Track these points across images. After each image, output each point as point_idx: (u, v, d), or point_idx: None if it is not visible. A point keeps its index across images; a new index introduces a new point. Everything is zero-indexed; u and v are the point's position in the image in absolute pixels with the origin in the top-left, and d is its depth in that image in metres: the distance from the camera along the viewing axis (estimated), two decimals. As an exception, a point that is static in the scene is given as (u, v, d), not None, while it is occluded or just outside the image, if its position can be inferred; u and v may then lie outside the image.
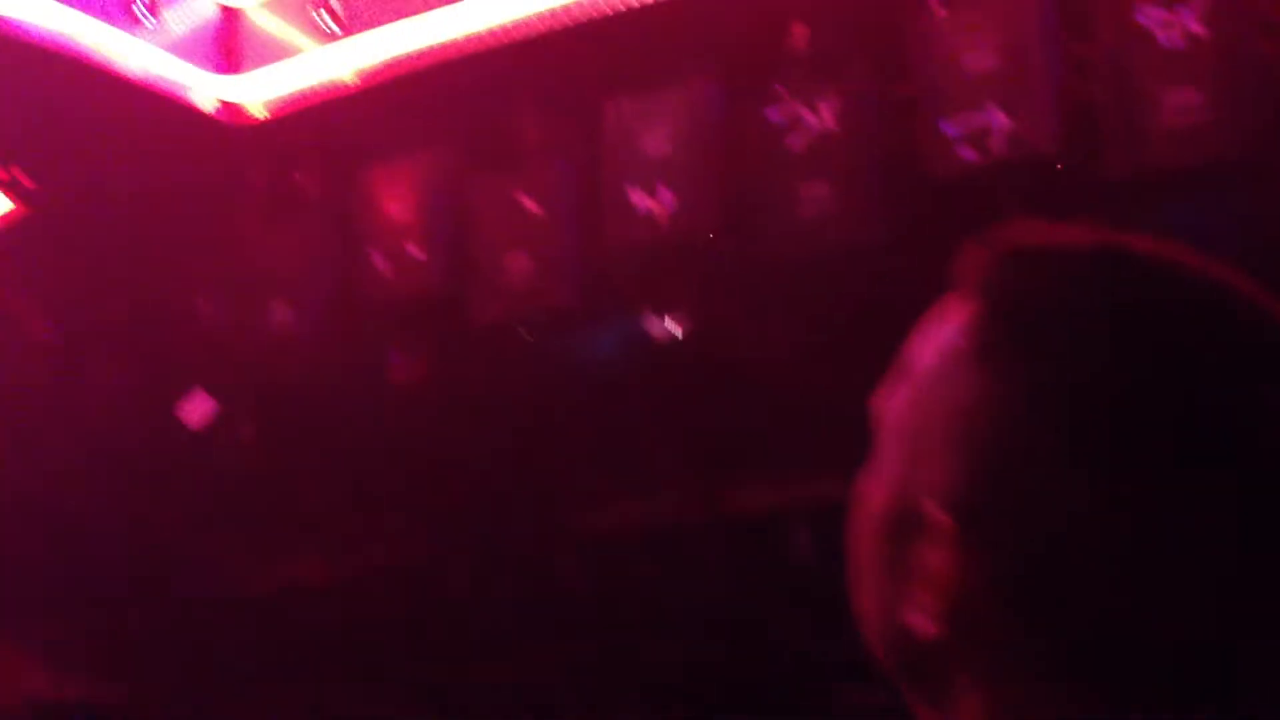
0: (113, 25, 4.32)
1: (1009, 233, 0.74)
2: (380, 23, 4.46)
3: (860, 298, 4.23)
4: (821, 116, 3.90)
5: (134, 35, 4.36)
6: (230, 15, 4.68)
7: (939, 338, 0.73)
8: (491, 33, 4.33)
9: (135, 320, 5.01)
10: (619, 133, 4.20)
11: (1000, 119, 3.73)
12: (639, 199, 4.13)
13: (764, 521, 4.54)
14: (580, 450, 4.67)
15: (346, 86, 4.53)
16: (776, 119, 3.94)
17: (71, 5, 4.19)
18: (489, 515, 4.70)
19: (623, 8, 4.12)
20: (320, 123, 4.62)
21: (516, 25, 4.28)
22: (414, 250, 4.43)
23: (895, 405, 0.74)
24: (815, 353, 4.37)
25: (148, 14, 4.40)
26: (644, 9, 4.07)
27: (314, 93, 4.60)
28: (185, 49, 4.54)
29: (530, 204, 4.30)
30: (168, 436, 4.96)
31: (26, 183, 4.86)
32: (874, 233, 3.93)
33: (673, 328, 4.33)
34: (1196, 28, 3.50)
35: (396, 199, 4.50)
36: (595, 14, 4.15)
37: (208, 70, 4.61)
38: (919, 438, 0.70)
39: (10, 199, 5.00)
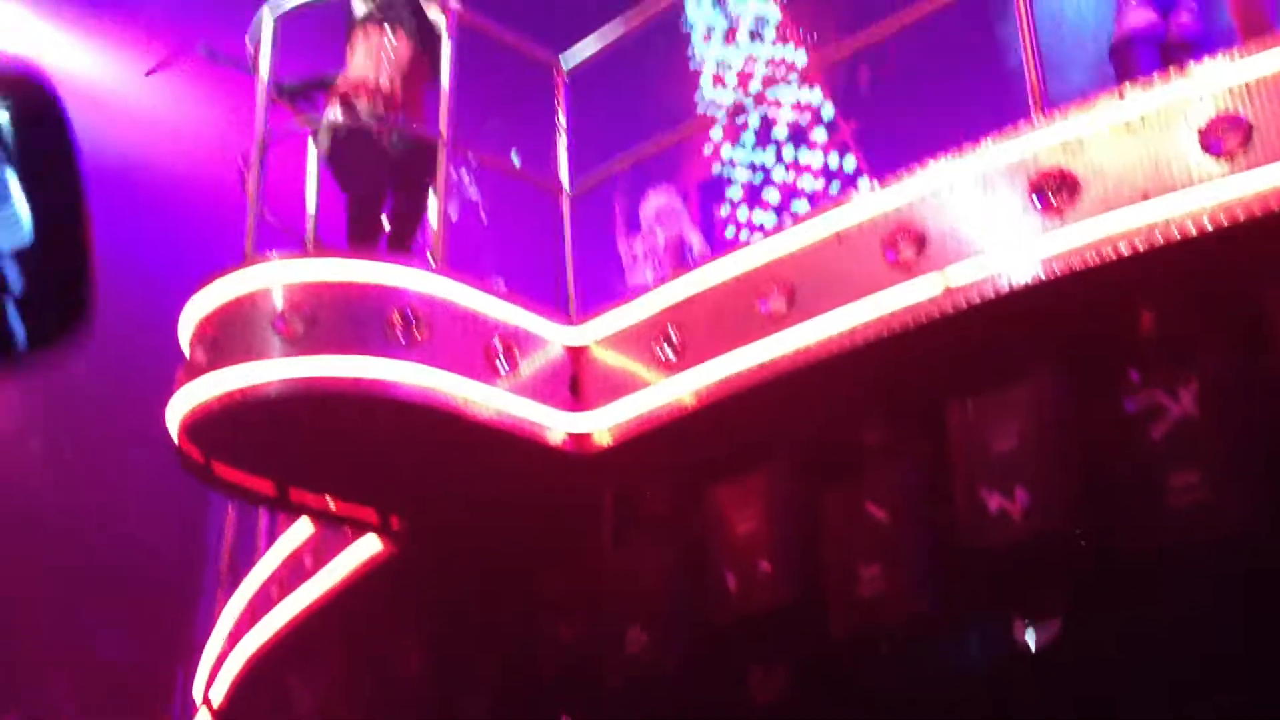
0: (472, 376, 4.65)
1: None
2: (716, 346, 4.62)
3: (1239, 589, 3.96)
4: (1181, 402, 3.74)
5: (490, 384, 4.67)
6: (575, 354, 4.97)
7: None
8: (823, 344, 4.39)
9: (499, 649, 5.17)
10: (966, 432, 4.14)
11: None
12: (992, 499, 4.03)
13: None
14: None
15: (687, 408, 4.67)
16: (1133, 408, 3.80)
17: (435, 364, 4.54)
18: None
19: (964, 305, 4.10)
20: (664, 445, 4.75)
21: (849, 333, 4.33)
22: (765, 565, 4.43)
23: None
24: (1190, 650, 4.08)
25: (503, 362, 4.72)
26: (983, 305, 4.05)
27: (656, 416, 4.75)
28: (535, 389, 4.82)
29: (879, 512, 4.26)
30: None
31: (397, 525, 5.20)
32: (1253, 518, 3.68)
33: (1037, 631, 4.13)
34: None
35: (744, 515, 4.54)
36: (930, 315, 4.16)
37: (556, 406, 4.87)
38: None
39: (382, 542, 5.35)
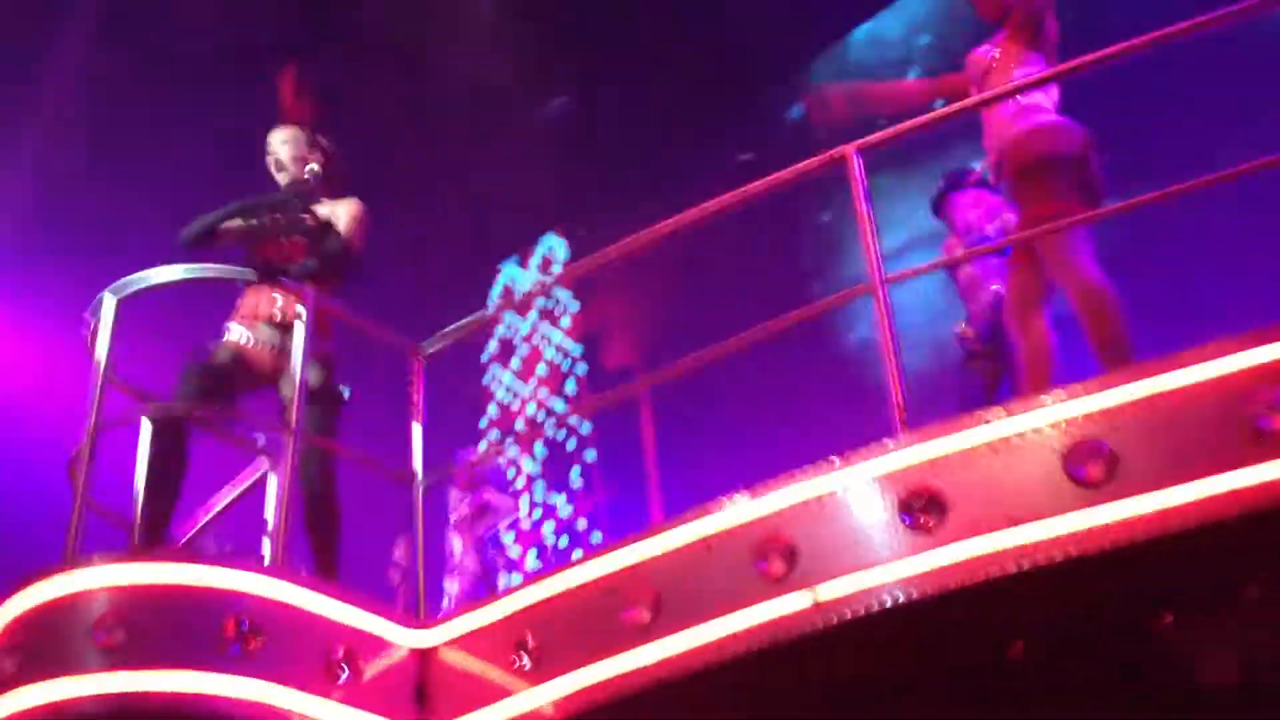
0: (309, 688, 4.30)
1: None
2: (577, 655, 4.37)
3: None
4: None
5: (328, 696, 4.33)
6: (423, 658, 4.66)
7: None
8: (690, 656, 4.17)
9: None
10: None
11: None
12: None
13: None
14: None
15: (545, 718, 4.38)
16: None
17: (269, 677, 4.20)
18: None
19: (835, 621, 3.92)
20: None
21: (717, 646, 4.12)
22: None
23: None
24: None
25: (344, 670, 4.39)
26: (854, 622, 3.89)
27: (510, 729, 4.45)
28: (377, 699, 4.48)
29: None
30: None
31: None
32: None
33: None
34: None
35: None
36: (801, 631, 3.98)
37: (399, 718, 4.53)
38: None
39: None
